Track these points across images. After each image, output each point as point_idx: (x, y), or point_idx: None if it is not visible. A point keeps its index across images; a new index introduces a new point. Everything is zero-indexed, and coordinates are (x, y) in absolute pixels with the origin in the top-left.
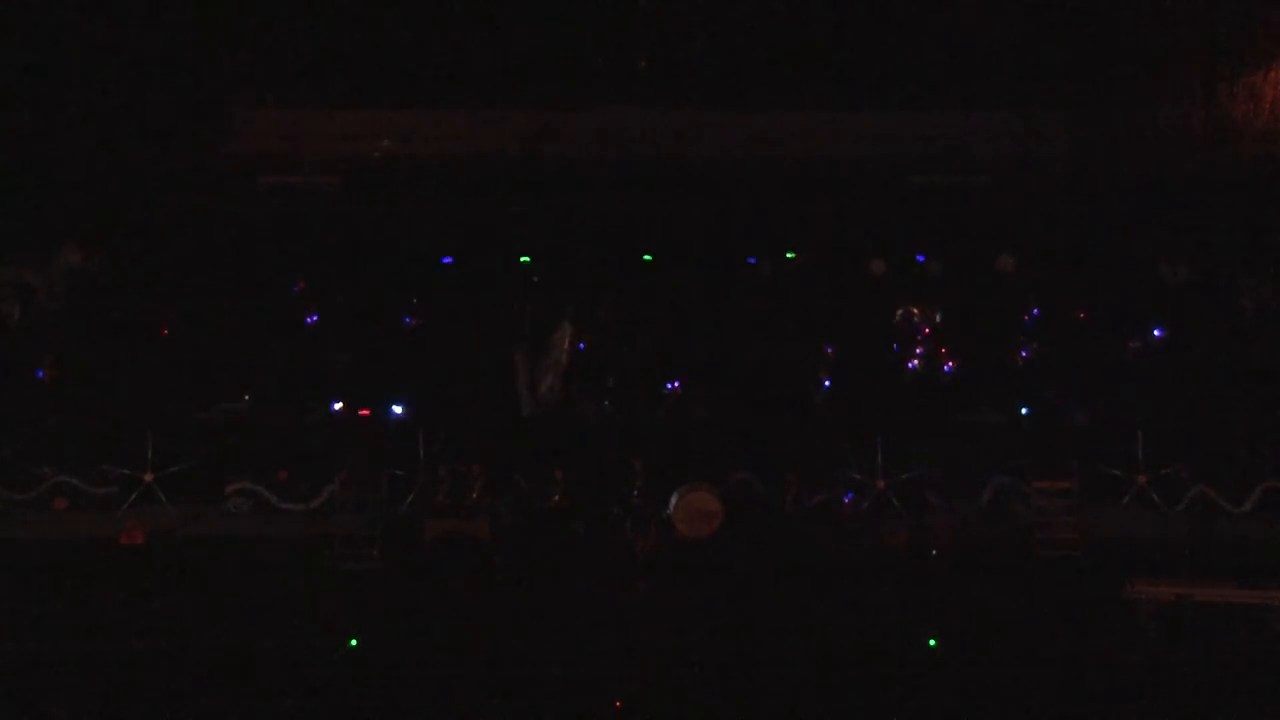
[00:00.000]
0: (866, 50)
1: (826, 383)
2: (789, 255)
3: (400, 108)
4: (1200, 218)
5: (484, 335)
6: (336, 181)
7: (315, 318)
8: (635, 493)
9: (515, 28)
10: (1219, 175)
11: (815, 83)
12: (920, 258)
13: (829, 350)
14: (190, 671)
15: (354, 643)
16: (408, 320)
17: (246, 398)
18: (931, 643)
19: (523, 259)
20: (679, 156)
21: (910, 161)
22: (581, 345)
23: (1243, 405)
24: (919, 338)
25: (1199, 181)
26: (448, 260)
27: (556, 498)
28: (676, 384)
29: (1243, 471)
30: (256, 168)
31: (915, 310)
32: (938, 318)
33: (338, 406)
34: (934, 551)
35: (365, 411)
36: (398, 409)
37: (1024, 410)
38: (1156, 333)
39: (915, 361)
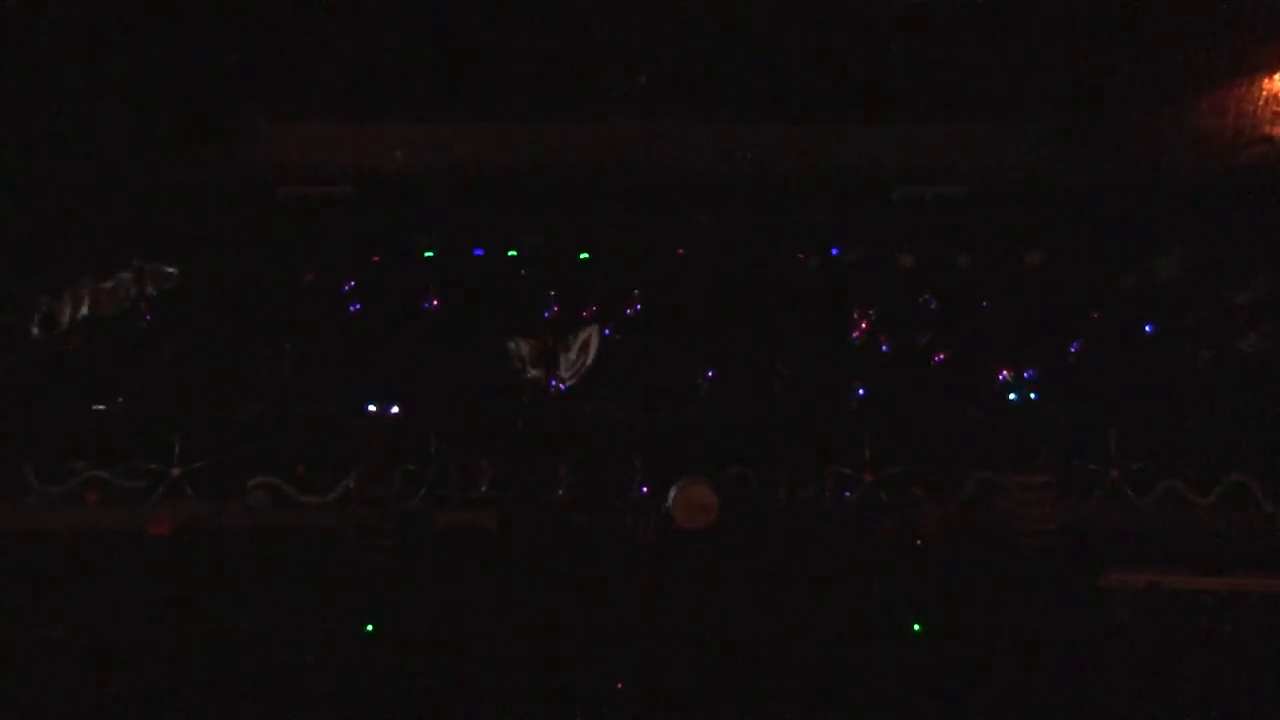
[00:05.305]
0: (860, 65)
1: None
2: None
3: (413, 121)
4: (1173, 224)
5: (491, 337)
6: (352, 191)
7: (357, 307)
8: (635, 487)
9: (522, 45)
10: (1190, 185)
11: (810, 97)
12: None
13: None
14: (213, 653)
15: (369, 628)
16: (419, 325)
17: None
18: (917, 627)
19: (533, 263)
20: (677, 167)
21: (899, 173)
22: (606, 331)
23: (1209, 404)
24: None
25: (1172, 190)
26: (457, 265)
27: (561, 491)
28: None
29: (1209, 466)
30: (275, 178)
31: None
32: (872, 313)
33: (354, 405)
34: (919, 542)
35: (379, 410)
36: (410, 408)
37: (1005, 408)
38: (1129, 336)
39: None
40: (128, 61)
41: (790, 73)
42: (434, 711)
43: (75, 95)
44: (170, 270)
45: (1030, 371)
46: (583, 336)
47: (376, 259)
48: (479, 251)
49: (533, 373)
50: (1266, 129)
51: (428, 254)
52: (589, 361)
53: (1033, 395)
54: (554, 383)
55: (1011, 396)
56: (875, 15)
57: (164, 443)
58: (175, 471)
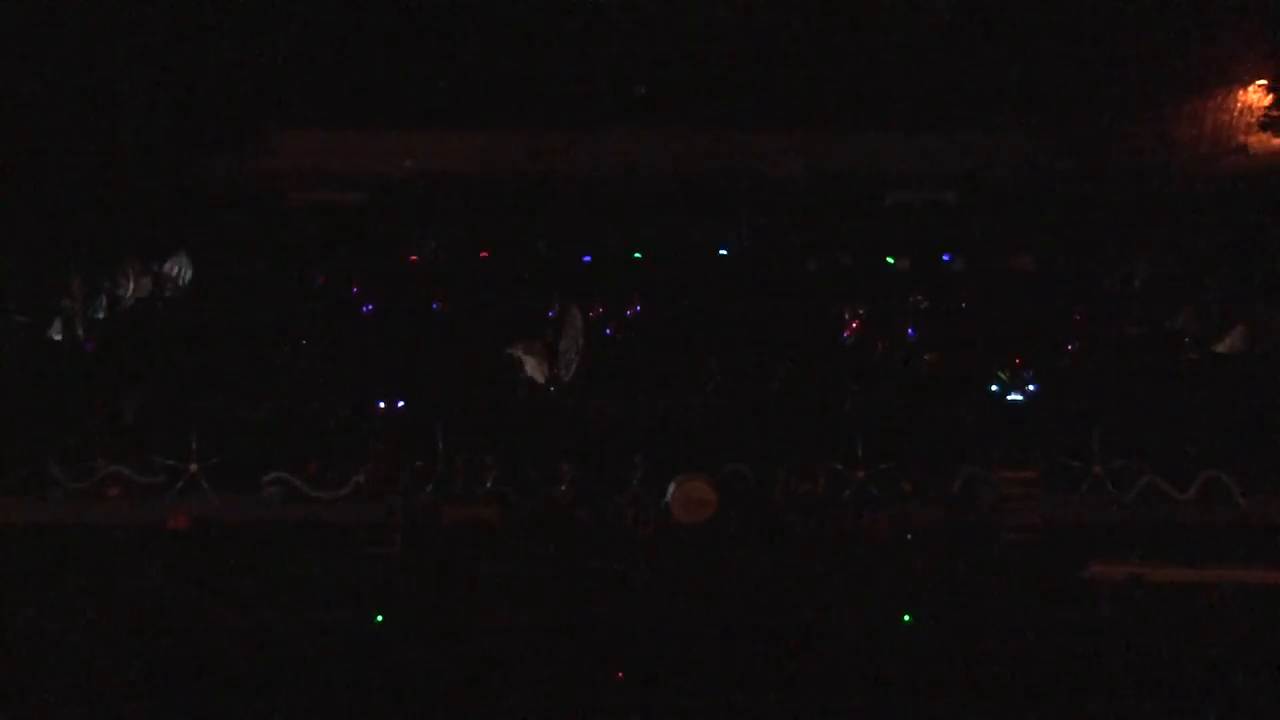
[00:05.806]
0: (852, 74)
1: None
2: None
3: (421, 129)
4: (1154, 229)
5: (496, 337)
6: (362, 196)
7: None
8: (636, 483)
9: (526, 56)
10: (1170, 191)
11: (803, 105)
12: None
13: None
14: (229, 643)
15: (379, 618)
16: (427, 326)
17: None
18: (906, 618)
19: (535, 265)
20: (675, 172)
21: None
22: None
23: (1185, 404)
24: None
25: (1153, 196)
26: (463, 267)
27: (563, 487)
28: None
29: (1187, 463)
30: (289, 184)
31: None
32: (863, 313)
33: (364, 404)
34: (909, 536)
35: (389, 408)
36: (418, 406)
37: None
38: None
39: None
40: (145, 71)
41: (783, 82)
42: (441, 699)
43: (95, 105)
44: (186, 273)
45: (1018, 371)
46: (570, 322)
47: (386, 262)
48: (484, 254)
49: (535, 372)
50: (1242, 138)
51: (434, 257)
52: (581, 346)
53: (1020, 394)
54: (554, 379)
55: (999, 395)
56: (867, 25)
57: (182, 440)
58: (193, 468)
